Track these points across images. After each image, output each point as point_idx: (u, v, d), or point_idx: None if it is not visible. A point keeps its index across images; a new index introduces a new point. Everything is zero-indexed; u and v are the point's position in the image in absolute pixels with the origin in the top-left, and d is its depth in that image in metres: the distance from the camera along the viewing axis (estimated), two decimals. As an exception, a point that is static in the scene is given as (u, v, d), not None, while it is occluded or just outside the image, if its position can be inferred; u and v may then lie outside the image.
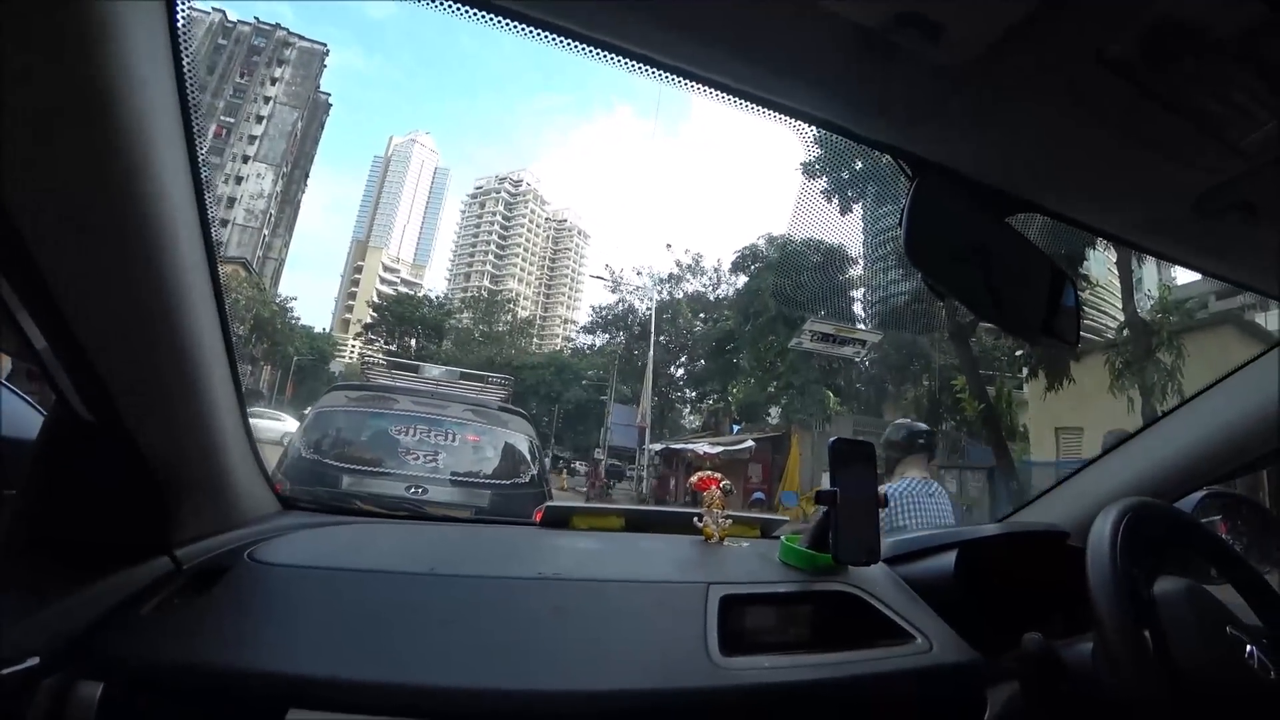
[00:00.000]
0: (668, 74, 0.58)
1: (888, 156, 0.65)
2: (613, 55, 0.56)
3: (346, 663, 0.71)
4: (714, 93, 0.59)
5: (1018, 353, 15.98)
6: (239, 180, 63.83)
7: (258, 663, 0.70)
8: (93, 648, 0.69)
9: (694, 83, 0.58)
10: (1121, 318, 14.28)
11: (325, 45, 71.60)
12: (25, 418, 0.88)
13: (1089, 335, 15.94)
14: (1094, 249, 12.99)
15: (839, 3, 0.46)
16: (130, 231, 0.58)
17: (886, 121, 0.60)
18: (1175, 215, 0.68)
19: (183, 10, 0.53)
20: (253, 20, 69.25)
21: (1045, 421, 16.07)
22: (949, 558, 1.11)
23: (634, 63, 0.57)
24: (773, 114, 0.60)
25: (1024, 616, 1.05)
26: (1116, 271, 13.74)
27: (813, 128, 0.62)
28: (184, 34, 0.54)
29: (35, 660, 0.63)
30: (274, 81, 67.76)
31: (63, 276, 0.58)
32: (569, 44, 0.55)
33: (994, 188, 0.65)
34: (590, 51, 0.56)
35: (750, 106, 0.60)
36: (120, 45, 0.47)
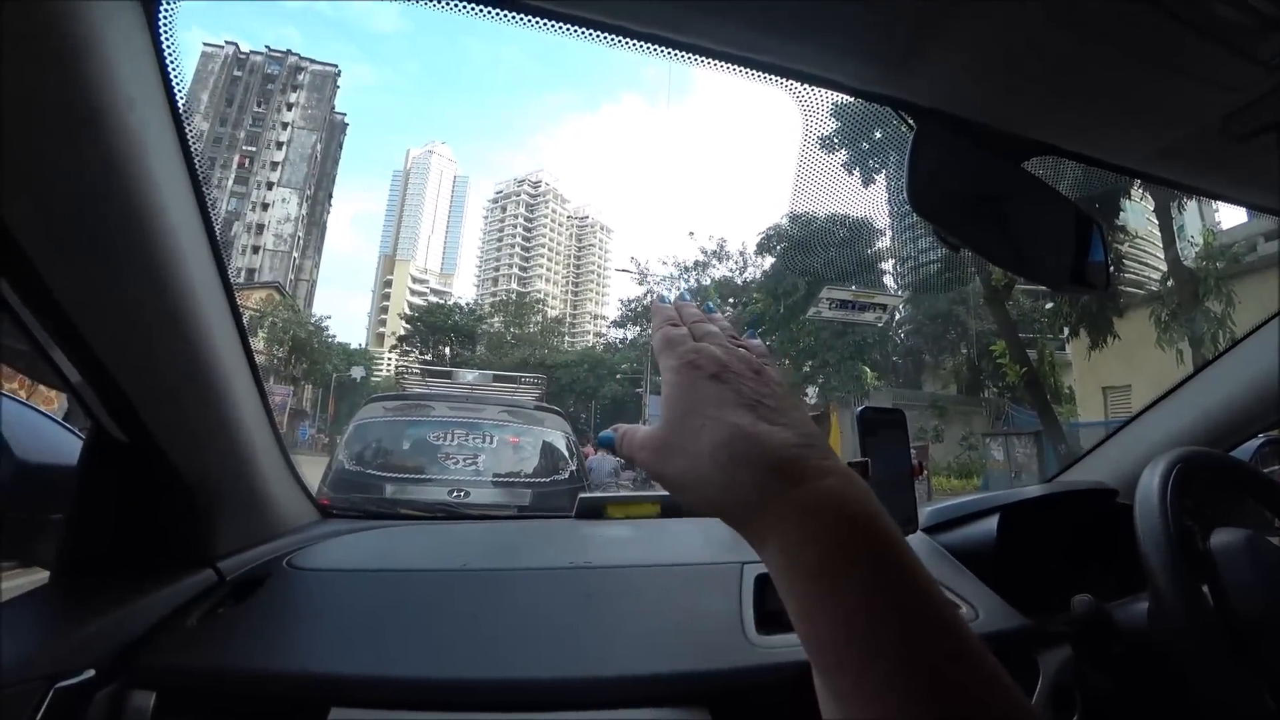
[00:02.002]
0: (654, 45, 0.57)
1: (890, 109, 0.63)
2: (606, 34, 0.56)
3: (383, 660, 0.73)
4: (704, 59, 0.57)
5: (1048, 305, 15.51)
6: (265, 207, 65.52)
7: (298, 665, 0.72)
8: (144, 658, 0.71)
9: (682, 51, 0.57)
10: (1164, 267, 13.76)
11: (336, 66, 73.02)
12: (66, 445, 0.91)
13: (1131, 289, 15.37)
14: (1128, 198, 12.52)
15: None
16: (136, 250, 0.59)
17: (878, 70, 0.57)
18: (1201, 142, 0.64)
19: (166, 34, 0.54)
20: (264, 49, 70.90)
21: (1091, 381, 15.63)
22: (991, 523, 1.08)
23: (626, 39, 0.56)
24: (763, 75, 0.58)
25: (1074, 579, 1.02)
26: (1156, 220, 13.22)
27: (804, 85, 0.59)
28: (170, 52, 0.55)
29: (92, 672, 0.65)
30: (290, 107, 69.28)
31: (79, 301, 0.59)
32: (549, 25, 0.55)
33: (1000, 130, 0.62)
34: (577, 31, 0.56)
35: (741, 70, 0.58)
36: (101, 67, 0.48)
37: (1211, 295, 11.56)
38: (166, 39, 0.54)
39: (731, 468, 0.35)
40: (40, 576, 0.82)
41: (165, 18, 0.52)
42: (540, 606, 0.85)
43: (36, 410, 0.99)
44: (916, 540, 1.11)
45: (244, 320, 0.82)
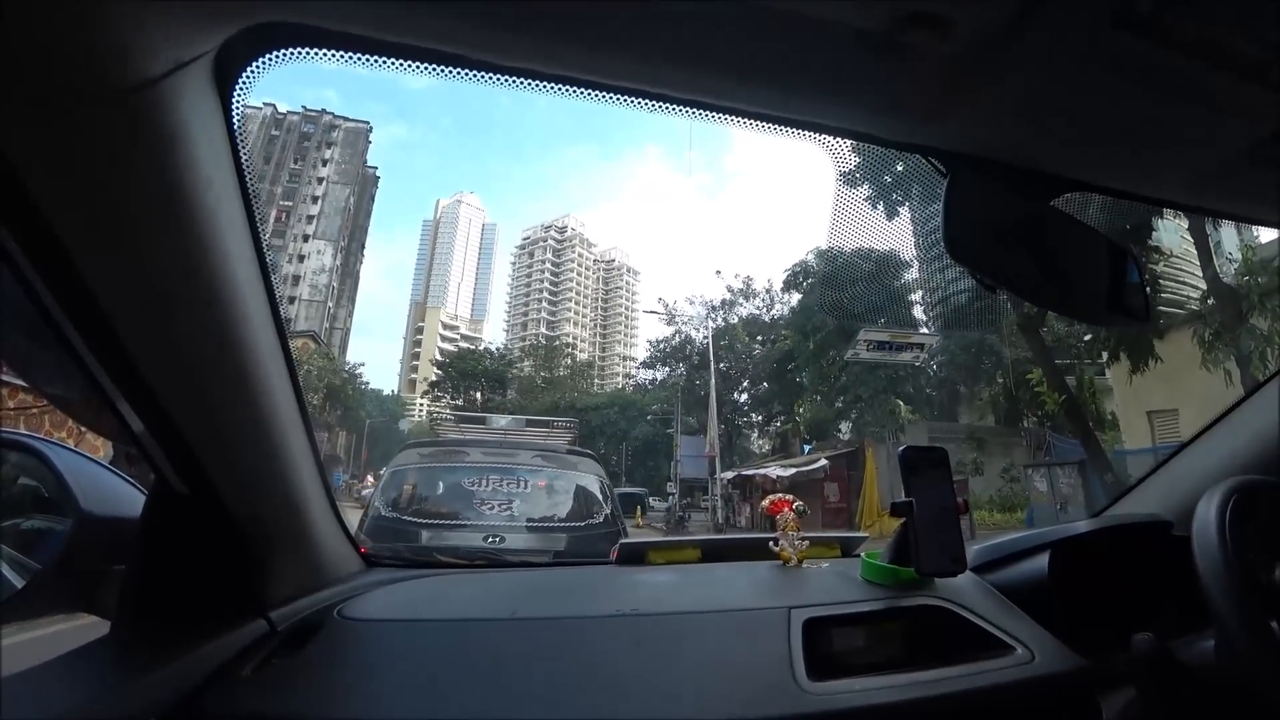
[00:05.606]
0: (686, 108, 0.60)
1: (919, 157, 0.64)
2: (635, 99, 0.59)
3: (440, 710, 0.73)
4: (734, 119, 0.60)
5: (1086, 336, 15.12)
6: (301, 259, 67.56)
7: (352, 714, 0.73)
8: (202, 708, 0.72)
9: (712, 113, 0.60)
10: (1203, 286, 13.35)
11: (368, 123, 75.86)
12: (129, 498, 0.94)
13: (1170, 309, 14.94)
14: (1160, 218, 12.25)
15: (840, 11, 0.46)
16: (210, 316, 0.63)
17: (909, 122, 0.59)
18: (1229, 170, 0.64)
19: (238, 116, 0.59)
20: (300, 109, 74.26)
21: (1135, 406, 15.06)
22: (1041, 560, 1.05)
23: (656, 103, 0.59)
24: (794, 130, 0.60)
25: (1132, 617, 0.99)
26: (1191, 238, 12.90)
27: (837, 139, 0.62)
28: (240, 136, 0.59)
29: None
30: (325, 163, 71.96)
31: (153, 360, 0.63)
32: (592, 94, 0.58)
33: (1031, 171, 0.63)
34: (614, 99, 0.59)
35: (772, 127, 0.61)
36: (187, 152, 0.52)
37: (1256, 311, 11.15)
38: (238, 123, 0.58)
39: None
40: (102, 626, 0.85)
41: (238, 104, 0.57)
42: (591, 655, 0.85)
43: (99, 464, 1.03)
44: (966, 580, 1.09)
45: (300, 380, 0.86)
